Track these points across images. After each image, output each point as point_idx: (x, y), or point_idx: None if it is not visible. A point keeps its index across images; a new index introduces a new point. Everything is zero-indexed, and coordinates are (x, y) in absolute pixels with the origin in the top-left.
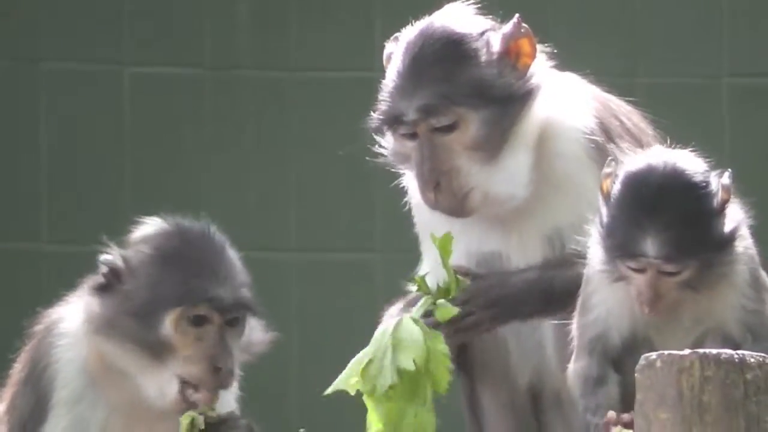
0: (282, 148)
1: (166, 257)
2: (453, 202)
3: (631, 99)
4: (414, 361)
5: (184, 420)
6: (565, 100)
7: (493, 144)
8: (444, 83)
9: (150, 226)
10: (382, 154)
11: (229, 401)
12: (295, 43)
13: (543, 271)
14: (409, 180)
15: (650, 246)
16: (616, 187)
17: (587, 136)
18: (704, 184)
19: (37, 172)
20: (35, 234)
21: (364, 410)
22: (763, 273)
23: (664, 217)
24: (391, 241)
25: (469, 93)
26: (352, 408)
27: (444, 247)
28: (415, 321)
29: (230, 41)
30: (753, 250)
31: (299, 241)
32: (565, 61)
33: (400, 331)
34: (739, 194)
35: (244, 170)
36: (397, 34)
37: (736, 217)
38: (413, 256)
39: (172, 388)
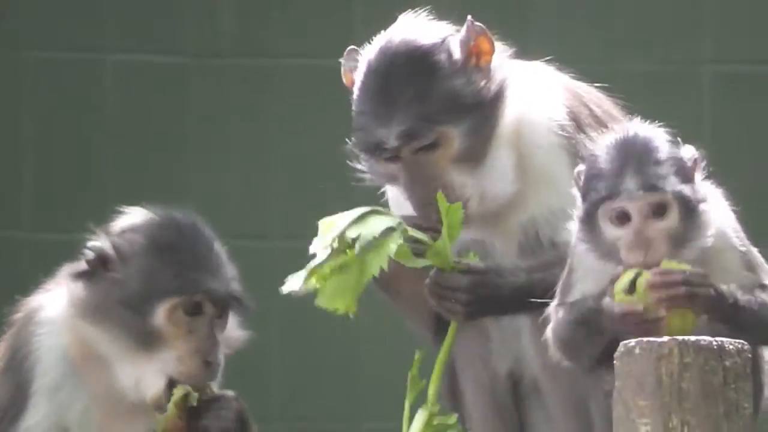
0: (265, 135)
1: (162, 247)
2: None
3: (611, 86)
4: (358, 237)
5: (177, 392)
6: (533, 91)
7: (478, 151)
8: (419, 104)
9: (136, 215)
10: (363, 176)
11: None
12: (277, 31)
13: (530, 275)
14: (394, 193)
15: (629, 180)
16: (591, 157)
17: (558, 126)
18: (670, 142)
19: (19, 160)
20: (16, 222)
21: (346, 396)
22: (755, 254)
23: (639, 158)
24: None
25: (445, 109)
26: (333, 394)
27: (455, 220)
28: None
29: (213, 28)
30: (739, 233)
31: (283, 228)
32: (545, 49)
33: (373, 215)
34: (719, 182)
35: (227, 158)
36: (352, 47)
37: (708, 187)
38: None
39: (158, 385)
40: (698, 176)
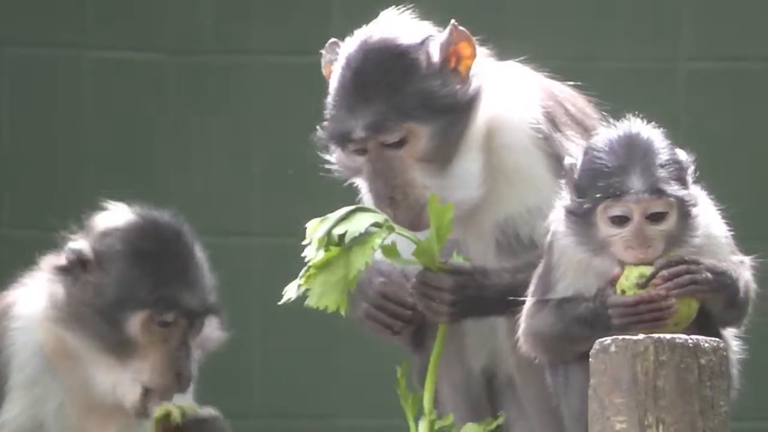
0: (245, 131)
1: (140, 256)
2: (410, 215)
3: (588, 83)
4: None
5: (159, 410)
6: (509, 92)
7: (445, 153)
8: (390, 99)
9: (118, 215)
10: (331, 167)
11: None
12: (256, 27)
13: (514, 276)
14: (362, 186)
15: (636, 181)
16: (590, 151)
17: (533, 127)
18: (658, 137)
19: None
20: None
21: (325, 393)
22: (738, 254)
23: (644, 159)
24: None
25: (415, 107)
26: (313, 392)
27: (444, 221)
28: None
29: (192, 25)
30: (727, 237)
31: (262, 225)
32: (523, 46)
33: (359, 212)
34: (696, 180)
35: (208, 155)
36: (333, 40)
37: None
38: None
39: (134, 393)
40: (691, 179)
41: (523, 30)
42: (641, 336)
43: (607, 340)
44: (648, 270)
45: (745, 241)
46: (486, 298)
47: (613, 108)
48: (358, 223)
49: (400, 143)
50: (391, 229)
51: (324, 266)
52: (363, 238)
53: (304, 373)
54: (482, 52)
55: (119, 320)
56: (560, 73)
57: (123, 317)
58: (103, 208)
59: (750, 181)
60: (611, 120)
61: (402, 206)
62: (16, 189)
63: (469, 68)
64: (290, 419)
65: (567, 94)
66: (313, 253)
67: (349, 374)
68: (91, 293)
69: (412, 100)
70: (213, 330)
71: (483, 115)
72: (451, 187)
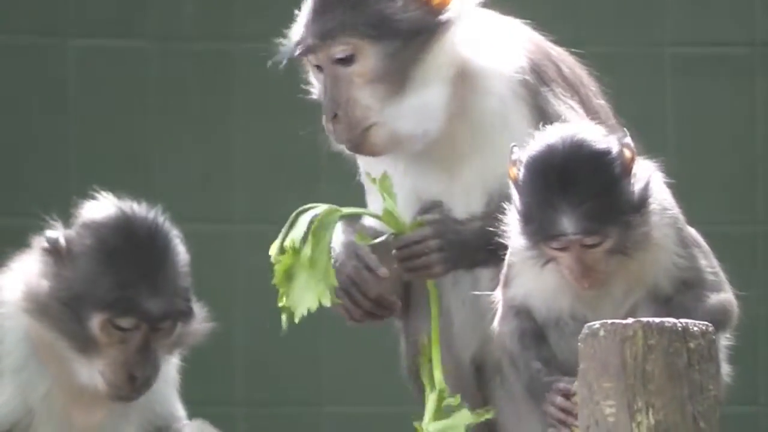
0: (228, 118)
1: (106, 254)
2: (351, 134)
3: None
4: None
5: None
6: (494, 39)
7: (396, 78)
8: (343, 13)
9: (101, 207)
10: (310, 92)
11: (170, 373)
12: (240, 14)
13: (484, 221)
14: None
15: (567, 224)
16: (523, 173)
17: (516, 75)
18: (606, 151)
19: None
20: None
21: (309, 380)
22: (689, 230)
23: (574, 193)
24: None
25: (367, 23)
26: (296, 379)
27: (386, 188)
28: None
29: (175, 12)
30: (675, 209)
31: (245, 213)
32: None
33: (301, 215)
34: (681, 163)
35: (190, 142)
36: None
37: (644, 175)
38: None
39: (101, 383)
40: (635, 166)
41: (512, 12)
42: (630, 320)
43: (596, 324)
44: None
45: (730, 225)
46: (467, 241)
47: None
48: (301, 226)
49: (350, 59)
50: (338, 212)
51: (287, 278)
52: (316, 237)
53: (288, 360)
54: (475, 2)
55: (81, 317)
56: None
57: (86, 314)
58: (91, 198)
59: (735, 165)
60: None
61: (343, 123)
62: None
63: (443, 5)
64: (274, 407)
65: (565, 57)
66: (278, 276)
67: (333, 361)
68: (59, 285)
69: (364, 17)
70: (197, 323)
71: (457, 54)
72: (398, 115)
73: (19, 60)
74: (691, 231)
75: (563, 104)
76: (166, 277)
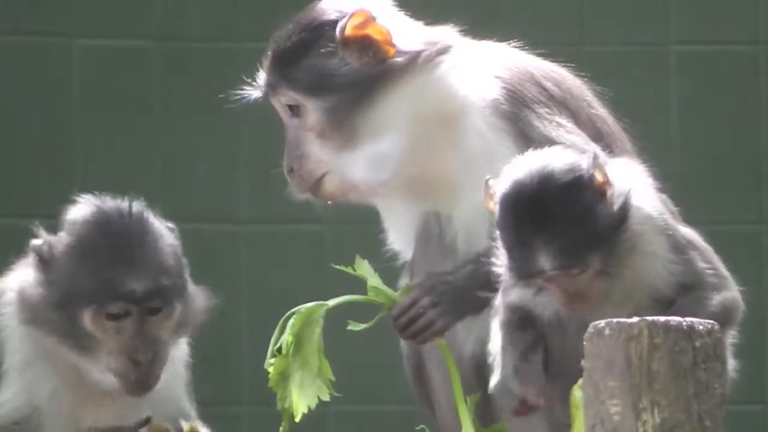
0: (232, 119)
1: (81, 248)
2: (305, 186)
3: (578, 67)
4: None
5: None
6: (465, 72)
7: (342, 131)
8: (284, 66)
9: (78, 208)
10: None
11: (178, 370)
12: (243, 14)
13: (478, 262)
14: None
15: (544, 261)
16: (498, 210)
17: (490, 107)
18: (574, 180)
19: None
20: None
21: None
22: (683, 232)
23: (547, 230)
24: (339, 212)
25: (304, 79)
26: None
27: (365, 269)
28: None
29: (179, 12)
30: (663, 215)
31: (250, 213)
32: (514, 31)
33: (289, 319)
34: (686, 162)
35: (195, 142)
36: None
37: (623, 189)
38: (362, 227)
39: (111, 380)
40: (608, 186)
41: (514, 14)
42: (635, 319)
43: (601, 323)
44: None
45: (734, 225)
46: (462, 287)
47: (603, 92)
48: (288, 329)
49: (297, 113)
50: (324, 307)
51: (283, 380)
52: (303, 337)
53: None
54: (449, 29)
55: (73, 317)
56: (550, 58)
57: (75, 314)
58: (76, 201)
59: (740, 164)
60: (607, 102)
61: (297, 176)
62: (3, 176)
63: (384, 52)
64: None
65: (551, 73)
66: (273, 380)
67: (339, 360)
68: (48, 291)
69: (301, 72)
70: (197, 302)
71: (421, 95)
72: (349, 164)
73: (24, 59)
74: (687, 232)
75: (549, 123)
76: (145, 256)
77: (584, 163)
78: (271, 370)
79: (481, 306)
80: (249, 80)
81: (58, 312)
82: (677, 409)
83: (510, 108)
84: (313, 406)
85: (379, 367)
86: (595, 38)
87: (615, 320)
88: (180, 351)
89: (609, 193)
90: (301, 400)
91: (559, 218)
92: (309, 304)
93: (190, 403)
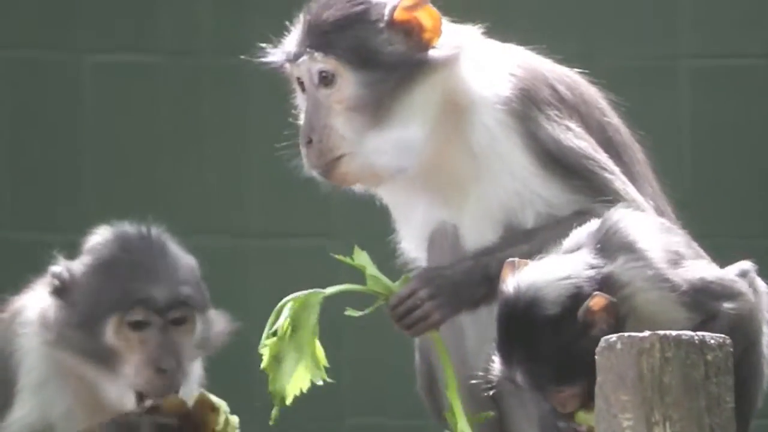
0: (243, 133)
1: (102, 265)
2: (321, 161)
3: (589, 81)
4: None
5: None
6: (484, 70)
7: (374, 110)
8: (329, 32)
9: (98, 234)
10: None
11: (192, 389)
12: (254, 29)
13: (477, 259)
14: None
15: (519, 377)
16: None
17: (502, 104)
18: (560, 314)
19: None
20: None
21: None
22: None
23: (524, 351)
24: (350, 226)
25: (349, 49)
26: (317, 390)
27: (364, 260)
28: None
29: (189, 27)
30: (657, 269)
31: (261, 226)
32: (523, 43)
33: (284, 305)
34: (697, 175)
35: (205, 156)
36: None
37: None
38: (372, 241)
39: (130, 399)
40: (605, 313)
41: (524, 27)
42: (647, 332)
43: (613, 337)
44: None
45: (746, 239)
46: (459, 281)
47: (614, 106)
48: (286, 313)
49: (330, 80)
50: (322, 295)
51: (276, 362)
52: (299, 322)
53: None
54: (469, 27)
55: (96, 332)
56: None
57: (98, 329)
58: (94, 231)
59: (752, 178)
60: (620, 111)
61: (315, 149)
62: (17, 191)
63: (427, 39)
64: (294, 419)
65: (565, 78)
66: (266, 361)
67: (354, 374)
68: (70, 313)
69: (347, 41)
70: (217, 326)
71: (446, 90)
72: (373, 148)
73: (35, 75)
74: (692, 276)
75: (558, 126)
76: (166, 267)
77: (585, 287)
78: (264, 351)
79: (479, 302)
80: (267, 45)
81: (81, 331)
82: (689, 423)
83: (520, 106)
84: (305, 390)
85: (396, 380)
86: (606, 52)
87: (626, 334)
88: (196, 369)
89: (603, 317)
90: (294, 383)
91: (535, 348)
92: (306, 291)
93: None
